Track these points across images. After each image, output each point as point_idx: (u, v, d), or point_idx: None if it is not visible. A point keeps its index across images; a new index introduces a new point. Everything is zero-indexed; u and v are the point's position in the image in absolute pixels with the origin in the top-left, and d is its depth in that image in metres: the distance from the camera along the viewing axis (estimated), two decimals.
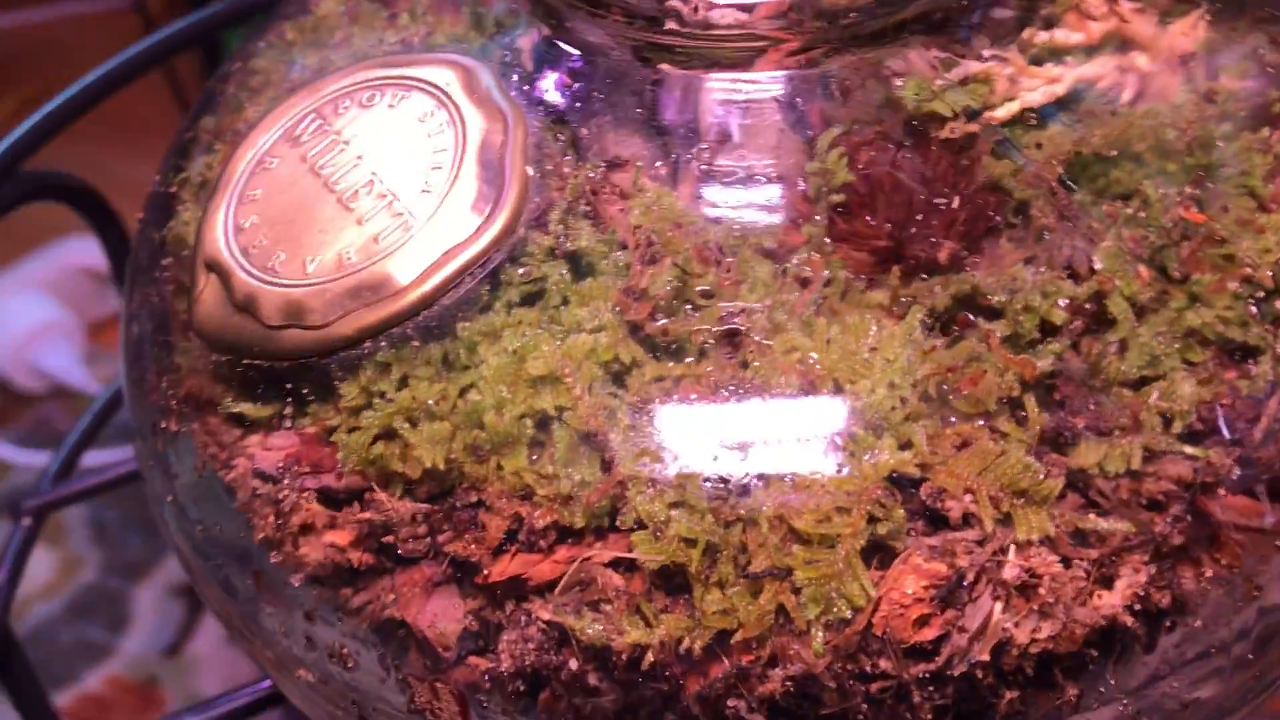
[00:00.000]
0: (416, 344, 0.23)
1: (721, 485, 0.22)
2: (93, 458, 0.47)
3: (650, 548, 0.22)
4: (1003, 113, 0.26)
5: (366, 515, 0.23)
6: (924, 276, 0.24)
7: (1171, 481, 0.23)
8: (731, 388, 0.23)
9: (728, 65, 0.26)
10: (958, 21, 0.27)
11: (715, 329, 0.23)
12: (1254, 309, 0.24)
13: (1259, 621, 0.24)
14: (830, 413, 0.22)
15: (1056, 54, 0.28)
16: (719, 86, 0.26)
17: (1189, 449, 0.23)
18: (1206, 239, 0.24)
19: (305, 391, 0.24)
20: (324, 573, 0.24)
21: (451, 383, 0.23)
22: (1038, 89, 0.27)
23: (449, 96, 0.25)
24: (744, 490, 0.22)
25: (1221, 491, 0.23)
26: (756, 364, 0.23)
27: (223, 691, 0.33)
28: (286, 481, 0.24)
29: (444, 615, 0.23)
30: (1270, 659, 0.25)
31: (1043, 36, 0.28)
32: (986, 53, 0.26)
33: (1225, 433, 0.23)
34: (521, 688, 0.23)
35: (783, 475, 0.22)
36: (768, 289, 0.23)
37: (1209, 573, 0.23)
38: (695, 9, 0.25)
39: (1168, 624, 0.23)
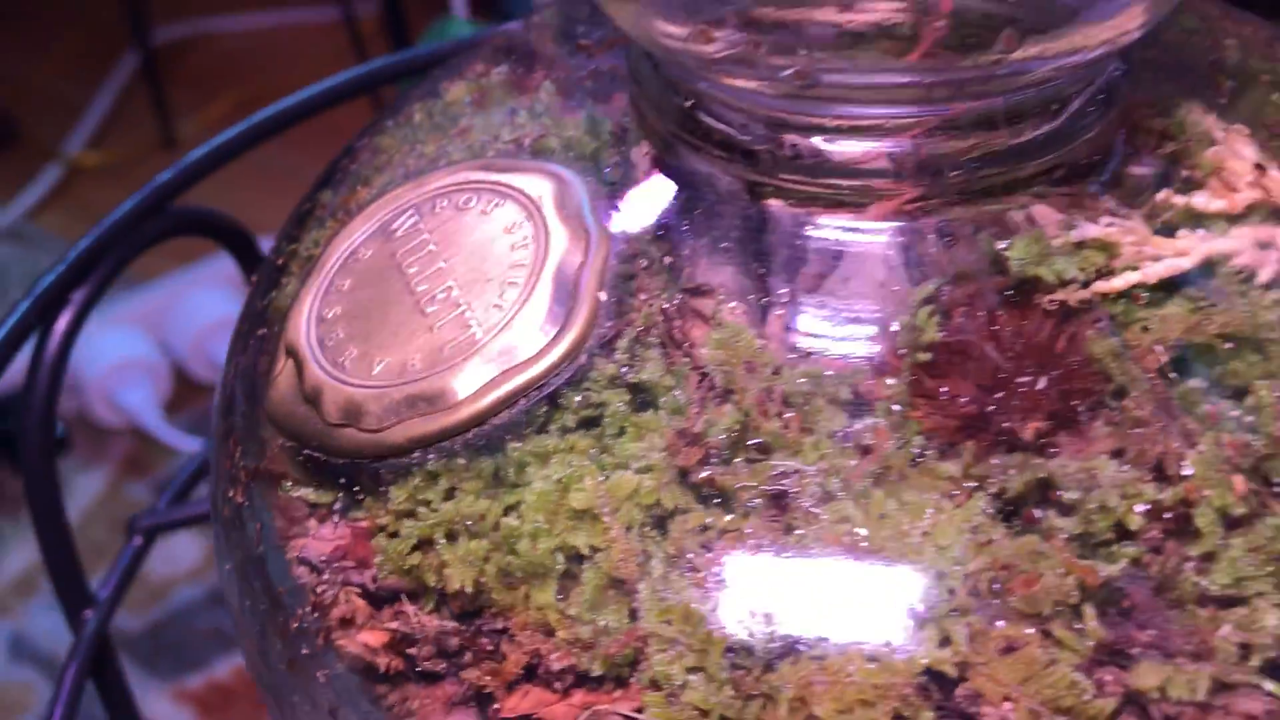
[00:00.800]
0: (463, 460, 0.23)
1: (746, 655, 0.21)
2: None
3: (662, 712, 0.21)
4: (1119, 283, 0.25)
5: (395, 625, 0.23)
6: (1006, 452, 0.23)
7: (1242, 718, 0.21)
8: (771, 553, 0.22)
9: (838, 207, 0.25)
10: (1086, 177, 0.26)
11: (763, 487, 0.22)
12: None
13: None
14: (870, 595, 0.21)
15: (1195, 219, 0.26)
16: (825, 227, 0.25)
17: (1269, 685, 0.21)
18: None
19: (357, 490, 0.24)
20: (355, 667, 0.24)
21: (497, 501, 0.23)
22: (1161, 261, 0.25)
23: (539, 210, 0.25)
24: (768, 665, 0.21)
25: None
26: (801, 531, 0.22)
27: None
28: (327, 575, 0.24)
29: None
30: None
31: (1180, 200, 0.26)
32: (1105, 219, 0.25)
33: None
34: None
35: (812, 655, 0.21)
36: (829, 450, 0.22)
37: None
38: (794, 147, 0.24)
39: None
